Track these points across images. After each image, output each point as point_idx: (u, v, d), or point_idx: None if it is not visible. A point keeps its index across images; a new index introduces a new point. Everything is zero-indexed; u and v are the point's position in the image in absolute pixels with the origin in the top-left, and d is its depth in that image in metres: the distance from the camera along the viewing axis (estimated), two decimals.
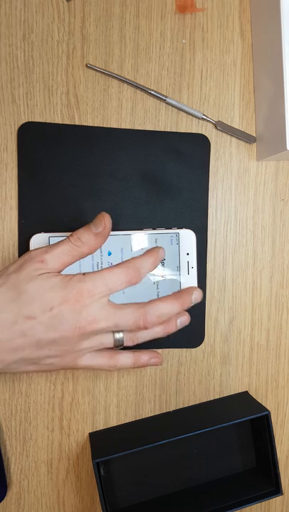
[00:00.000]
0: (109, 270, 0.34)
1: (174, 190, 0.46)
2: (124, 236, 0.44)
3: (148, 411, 0.48)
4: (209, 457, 0.48)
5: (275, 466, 0.45)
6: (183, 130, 0.46)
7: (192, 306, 0.37)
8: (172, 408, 0.48)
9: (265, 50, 0.44)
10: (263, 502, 0.49)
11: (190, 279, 0.45)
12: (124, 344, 0.36)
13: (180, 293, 0.37)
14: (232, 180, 0.48)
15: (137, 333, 0.36)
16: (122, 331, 0.35)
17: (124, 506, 0.46)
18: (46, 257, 0.34)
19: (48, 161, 0.44)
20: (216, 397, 0.49)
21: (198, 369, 0.48)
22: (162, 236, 0.44)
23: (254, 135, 0.47)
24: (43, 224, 0.44)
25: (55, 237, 0.43)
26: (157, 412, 0.48)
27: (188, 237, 0.45)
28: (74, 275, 0.34)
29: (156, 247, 0.37)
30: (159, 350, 0.47)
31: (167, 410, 0.48)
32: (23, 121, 0.44)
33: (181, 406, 0.48)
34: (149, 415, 0.48)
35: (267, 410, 0.44)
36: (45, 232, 0.43)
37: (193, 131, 0.46)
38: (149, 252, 0.36)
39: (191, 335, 0.47)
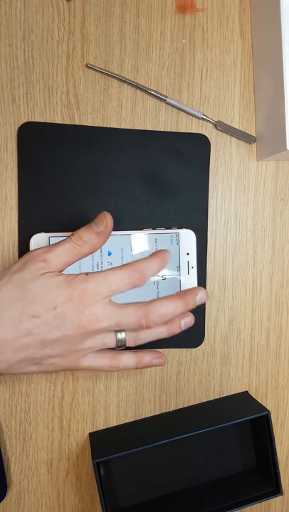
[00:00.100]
0: (113, 271, 0.34)
1: (174, 190, 0.46)
2: (124, 236, 0.44)
3: (148, 411, 0.48)
4: (209, 457, 0.48)
5: (275, 466, 0.45)
6: (183, 130, 0.46)
7: (191, 312, 0.37)
8: (172, 408, 0.48)
9: (265, 50, 0.44)
10: (263, 502, 0.49)
11: (190, 279, 0.45)
12: (127, 344, 0.36)
13: (184, 293, 0.36)
14: (232, 180, 0.48)
15: (140, 333, 0.36)
16: (124, 330, 0.35)
17: (124, 506, 0.46)
18: (48, 256, 0.34)
19: (48, 161, 0.44)
20: (216, 397, 0.49)
21: (198, 369, 0.48)
22: (162, 236, 0.44)
23: (254, 135, 0.47)
24: (43, 224, 0.44)
25: (55, 237, 0.43)
26: (157, 412, 0.48)
27: (188, 237, 0.45)
28: (77, 275, 0.34)
29: (163, 250, 0.36)
30: (159, 350, 0.47)
31: (167, 410, 0.48)
32: (23, 121, 0.44)
33: (181, 406, 0.48)
34: (149, 415, 0.48)
35: (267, 410, 0.44)
36: (45, 232, 0.43)
37: (193, 131, 0.46)
38: (154, 254, 0.36)
39: (191, 335, 0.47)
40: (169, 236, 0.44)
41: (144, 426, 0.46)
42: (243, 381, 0.49)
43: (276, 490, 0.45)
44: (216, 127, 0.47)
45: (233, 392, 0.49)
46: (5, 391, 0.45)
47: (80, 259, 0.35)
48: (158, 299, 0.35)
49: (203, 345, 0.48)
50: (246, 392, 0.49)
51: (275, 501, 0.51)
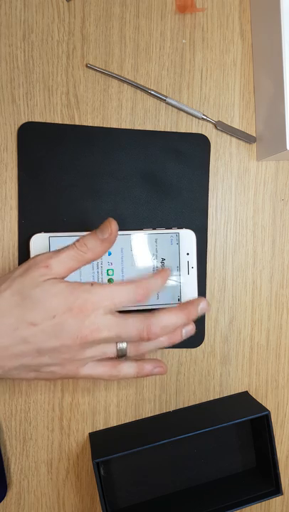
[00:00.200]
0: (118, 286, 0.33)
1: (174, 190, 0.46)
2: (124, 236, 0.44)
3: (148, 411, 0.48)
4: (209, 457, 0.48)
5: (275, 466, 0.45)
6: (183, 130, 0.46)
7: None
8: (172, 408, 0.48)
9: (265, 50, 0.44)
10: (263, 502, 0.49)
11: (190, 279, 0.45)
12: (127, 354, 0.36)
13: (186, 304, 0.36)
14: (232, 180, 0.48)
15: (141, 343, 0.35)
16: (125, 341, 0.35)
17: (124, 506, 0.46)
18: (51, 262, 0.33)
19: (48, 161, 0.44)
20: (216, 397, 0.49)
21: (198, 369, 0.48)
22: (162, 236, 0.44)
23: (254, 135, 0.47)
24: (43, 224, 0.44)
25: (55, 237, 0.43)
26: (157, 412, 0.48)
27: (188, 237, 0.45)
28: (81, 284, 0.33)
29: (166, 269, 0.36)
30: (159, 350, 0.47)
31: (167, 410, 0.48)
32: (23, 121, 0.44)
33: (181, 406, 0.48)
34: (149, 415, 0.48)
35: (267, 410, 0.44)
36: (45, 232, 0.43)
37: (193, 131, 0.46)
38: (159, 273, 0.35)
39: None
40: (169, 236, 0.44)
41: (144, 426, 0.46)
42: (243, 381, 0.49)
43: (276, 490, 0.45)
44: (216, 127, 0.47)
45: (233, 392, 0.49)
46: (5, 391, 0.45)
47: (83, 265, 0.35)
48: (160, 310, 0.35)
49: (203, 345, 0.48)
50: (246, 392, 0.49)
51: (275, 501, 0.51)
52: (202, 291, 0.47)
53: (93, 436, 0.46)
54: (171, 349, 0.47)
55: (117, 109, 0.45)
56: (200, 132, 0.46)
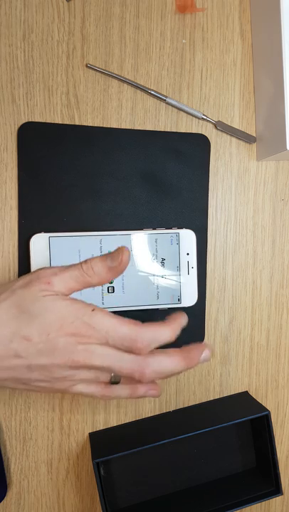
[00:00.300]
0: (122, 322, 0.32)
1: (174, 190, 0.46)
2: (124, 236, 0.44)
3: (148, 411, 0.48)
4: (209, 457, 0.48)
5: (275, 466, 0.45)
6: (183, 130, 0.46)
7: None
8: (172, 408, 0.48)
9: (265, 50, 0.44)
10: (263, 502, 0.49)
11: (190, 279, 0.45)
12: (121, 383, 0.34)
13: (188, 350, 0.34)
14: (232, 180, 0.48)
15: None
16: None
17: (124, 506, 0.46)
18: (54, 279, 0.33)
19: (48, 161, 0.44)
20: (216, 397, 0.49)
21: (198, 369, 0.48)
22: (162, 236, 0.44)
23: (254, 135, 0.47)
24: (43, 224, 0.44)
25: (55, 237, 0.43)
26: (157, 412, 0.48)
27: (188, 237, 0.45)
28: (83, 306, 0.32)
29: (180, 315, 0.34)
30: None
31: (167, 410, 0.48)
32: (23, 121, 0.44)
33: (181, 406, 0.48)
34: (149, 415, 0.48)
35: (267, 410, 0.44)
36: (45, 232, 0.43)
37: (193, 131, 0.46)
38: (167, 322, 0.34)
39: (191, 335, 0.47)
40: (169, 236, 0.44)
41: (144, 426, 0.46)
42: (243, 381, 0.49)
43: (276, 490, 0.45)
44: (216, 127, 0.47)
45: (233, 392, 0.49)
46: (5, 391, 0.45)
47: (85, 288, 0.34)
48: (160, 351, 0.33)
49: None
50: (246, 392, 0.49)
51: (275, 501, 0.51)
52: (202, 291, 0.47)
53: (93, 436, 0.46)
54: None
55: (117, 109, 0.45)
56: (200, 132, 0.46)
